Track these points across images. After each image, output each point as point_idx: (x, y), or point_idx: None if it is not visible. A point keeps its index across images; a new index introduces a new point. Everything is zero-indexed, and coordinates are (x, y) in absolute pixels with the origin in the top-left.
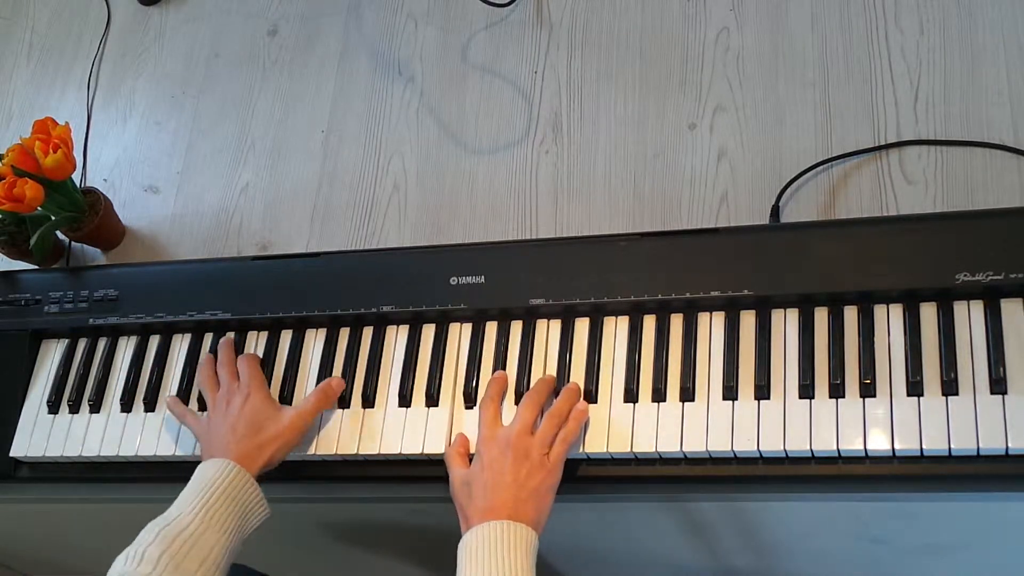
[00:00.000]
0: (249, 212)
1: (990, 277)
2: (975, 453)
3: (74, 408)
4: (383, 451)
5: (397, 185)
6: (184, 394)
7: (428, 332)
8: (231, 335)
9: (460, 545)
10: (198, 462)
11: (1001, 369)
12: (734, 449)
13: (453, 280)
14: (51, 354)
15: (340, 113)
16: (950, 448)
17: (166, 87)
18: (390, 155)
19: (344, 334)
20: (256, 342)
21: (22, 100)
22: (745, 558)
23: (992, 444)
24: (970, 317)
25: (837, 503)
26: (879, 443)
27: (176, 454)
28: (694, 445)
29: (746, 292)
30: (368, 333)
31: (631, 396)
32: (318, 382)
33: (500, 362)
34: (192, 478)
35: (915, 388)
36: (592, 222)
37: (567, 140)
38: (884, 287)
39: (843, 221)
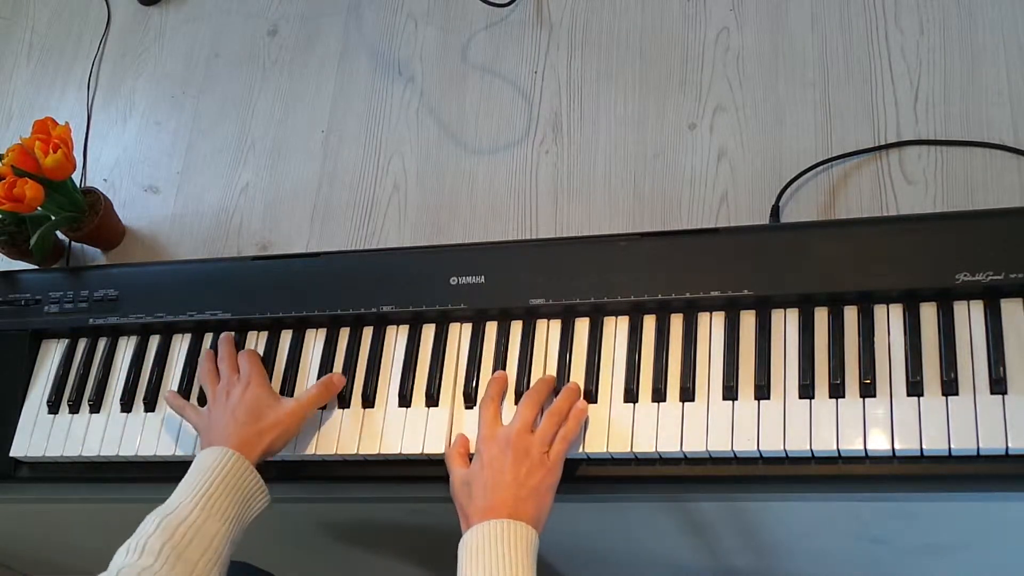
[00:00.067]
0: (249, 212)
1: (990, 277)
2: (975, 453)
3: (74, 408)
4: (383, 451)
5: (397, 185)
6: (184, 394)
7: (428, 332)
8: (230, 332)
9: (460, 544)
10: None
11: (1001, 369)
12: (734, 449)
13: (453, 280)
14: (51, 354)
15: (340, 113)
16: (950, 448)
17: (166, 87)
18: (390, 155)
19: (344, 334)
20: (256, 342)
21: (22, 100)
22: (745, 558)
23: (992, 444)
24: (970, 317)
25: (837, 503)
26: (879, 443)
27: (176, 454)
28: (694, 445)
29: (746, 292)
30: (368, 333)
31: (631, 396)
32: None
33: (500, 362)
34: (191, 466)
35: (915, 388)
36: (592, 222)
37: (567, 140)
38: (884, 287)
39: (843, 221)
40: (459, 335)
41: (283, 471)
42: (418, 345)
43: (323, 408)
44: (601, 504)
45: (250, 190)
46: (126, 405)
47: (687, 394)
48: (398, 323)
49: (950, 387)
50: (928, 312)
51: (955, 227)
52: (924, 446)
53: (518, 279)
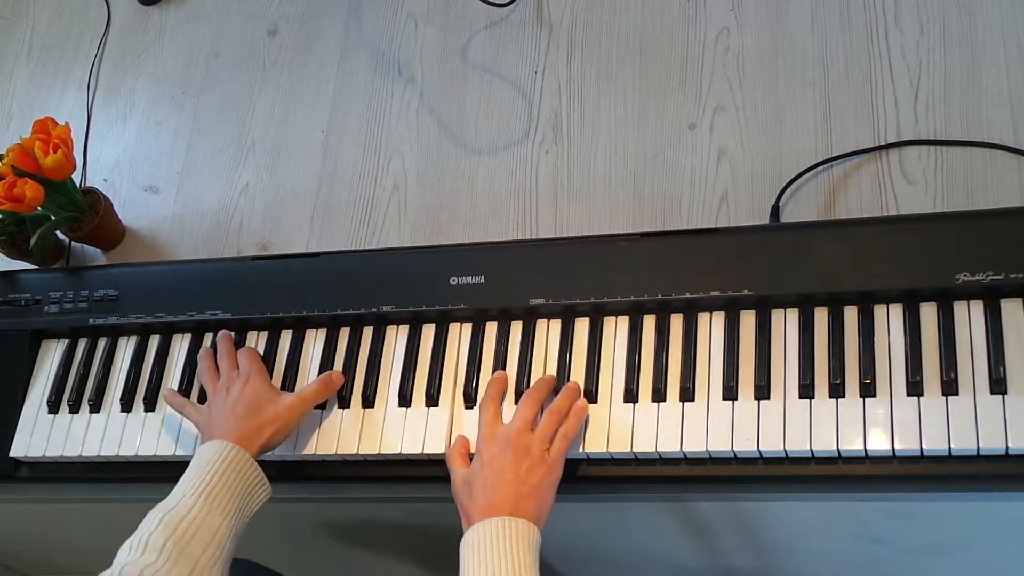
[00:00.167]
0: (249, 212)
1: (990, 277)
2: (975, 453)
3: (74, 408)
4: (383, 451)
5: (397, 185)
6: (184, 393)
7: (428, 332)
8: (229, 331)
9: (462, 543)
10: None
11: (1001, 369)
12: (734, 449)
13: (453, 280)
14: (51, 354)
15: (340, 113)
16: (950, 448)
17: (166, 87)
18: (390, 155)
19: (344, 334)
20: (256, 342)
21: (22, 100)
22: (745, 558)
23: (992, 444)
24: (970, 317)
25: (837, 503)
26: (879, 443)
27: (176, 453)
28: (694, 445)
29: (746, 292)
30: (368, 333)
31: (631, 396)
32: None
33: (500, 362)
34: (192, 461)
35: (915, 388)
36: (592, 222)
37: (567, 140)
38: (884, 287)
39: (843, 221)
40: (459, 335)
41: (283, 471)
42: (418, 345)
43: (323, 408)
44: (601, 504)
45: (250, 190)
46: (126, 405)
47: (687, 394)
48: (398, 323)
49: (950, 387)
50: (928, 312)
51: (955, 227)
52: (924, 446)
53: (518, 279)
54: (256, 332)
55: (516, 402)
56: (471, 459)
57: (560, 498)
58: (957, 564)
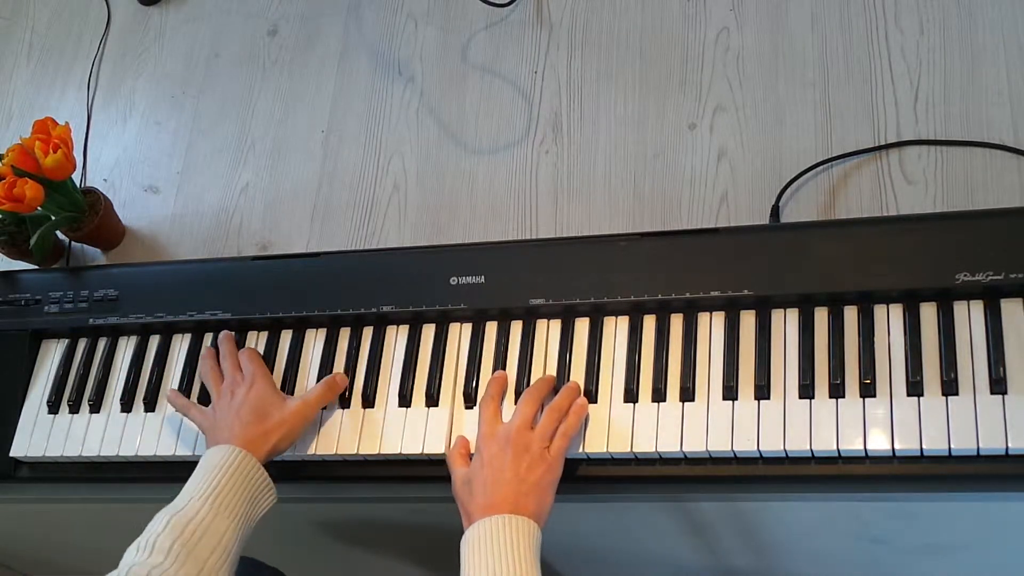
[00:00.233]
0: (249, 212)
1: (990, 277)
2: (975, 453)
3: (74, 408)
4: (383, 451)
5: (397, 185)
6: (184, 393)
7: (428, 332)
8: (230, 332)
9: (463, 541)
10: (198, 461)
11: (1001, 369)
12: (734, 449)
13: (453, 280)
14: (51, 354)
15: (340, 113)
16: (950, 448)
17: (166, 87)
18: (390, 155)
19: (344, 334)
20: (256, 342)
21: (22, 100)
22: (745, 558)
23: (992, 444)
24: (970, 317)
25: (837, 503)
26: (879, 443)
27: (176, 454)
28: (694, 445)
29: (746, 292)
30: (368, 333)
31: (631, 396)
32: (318, 382)
33: (500, 362)
34: (198, 465)
35: (915, 388)
36: (592, 222)
37: (567, 140)
38: (884, 287)
39: (843, 221)
40: (459, 335)
41: (283, 471)
42: (418, 345)
43: (323, 408)
44: (601, 504)
45: (250, 190)
46: (126, 405)
47: (687, 394)
48: (398, 323)
49: (950, 387)
50: (928, 312)
51: (955, 227)
52: (924, 446)
53: (518, 279)
54: (256, 332)
55: (516, 402)
56: (471, 459)
57: (560, 498)
58: (957, 564)
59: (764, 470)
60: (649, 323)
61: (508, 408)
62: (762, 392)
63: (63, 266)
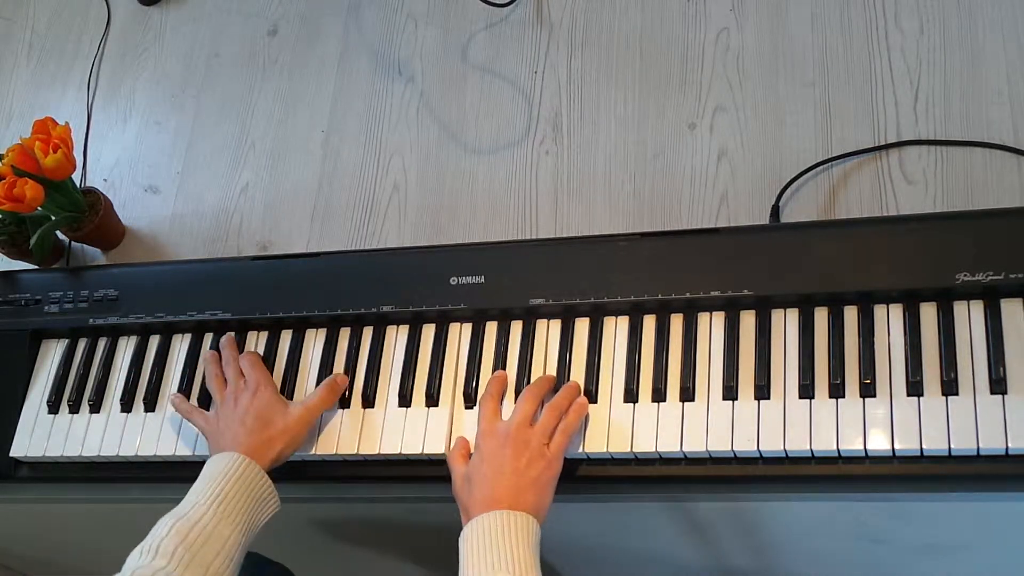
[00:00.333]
0: (249, 212)
1: (990, 277)
2: (975, 453)
3: (74, 408)
4: (383, 451)
5: (397, 185)
6: (184, 394)
7: (428, 332)
8: (231, 333)
9: (461, 537)
10: (198, 462)
11: (1001, 369)
12: (734, 449)
13: (453, 280)
14: (51, 354)
15: (340, 113)
16: (950, 448)
17: (166, 87)
18: (390, 155)
19: (344, 334)
20: (256, 342)
21: (22, 100)
22: (745, 558)
23: (992, 444)
24: (970, 317)
25: (837, 503)
26: (879, 443)
27: (176, 454)
28: (694, 445)
29: (746, 292)
30: (368, 333)
31: (631, 396)
32: (318, 382)
33: (500, 362)
34: (202, 471)
35: (915, 388)
36: (592, 222)
37: (567, 140)
38: (884, 287)
39: (843, 221)
40: (459, 335)
41: (284, 471)
42: (418, 345)
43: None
44: (601, 504)
45: (250, 190)
46: (126, 405)
47: (687, 394)
48: (398, 323)
49: (950, 387)
50: (928, 312)
51: (955, 227)
52: (924, 446)
53: (518, 279)
54: (256, 332)
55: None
56: (471, 457)
57: (560, 498)
58: (957, 564)
59: (764, 470)
60: (649, 323)
61: (508, 408)
62: (762, 392)
63: (63, 266)
